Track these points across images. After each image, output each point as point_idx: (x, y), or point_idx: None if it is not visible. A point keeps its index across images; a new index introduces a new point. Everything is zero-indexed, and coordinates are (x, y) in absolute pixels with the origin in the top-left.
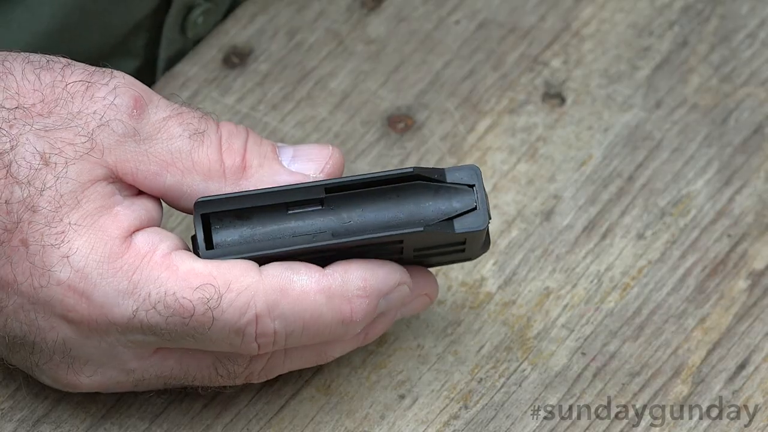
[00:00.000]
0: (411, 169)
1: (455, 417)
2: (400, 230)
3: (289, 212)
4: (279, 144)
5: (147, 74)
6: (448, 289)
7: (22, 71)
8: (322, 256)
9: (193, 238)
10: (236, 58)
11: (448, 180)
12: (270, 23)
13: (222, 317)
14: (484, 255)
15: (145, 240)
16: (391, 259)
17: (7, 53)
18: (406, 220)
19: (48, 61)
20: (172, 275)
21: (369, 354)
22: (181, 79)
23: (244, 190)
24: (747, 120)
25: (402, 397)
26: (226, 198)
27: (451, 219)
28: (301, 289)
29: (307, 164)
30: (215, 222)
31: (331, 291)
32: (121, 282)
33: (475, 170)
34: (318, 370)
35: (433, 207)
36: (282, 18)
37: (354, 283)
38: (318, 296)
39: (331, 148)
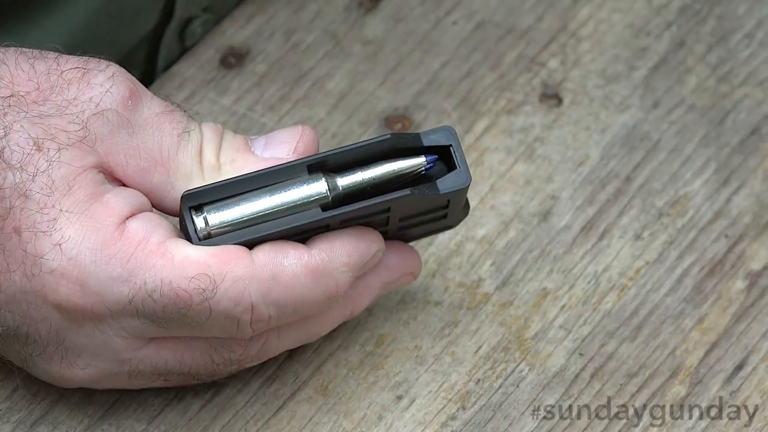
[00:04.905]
0: (389, 135)
1: (453, 418)
2: (388, 197)
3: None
4: (252, 137)
5: (145, 82)
6: (445, 290)
7: (15, 61)
8: (310, 231)
9: (182, 229)
10: (233, 59)
11: (425, 143)
12: (267, 24)
13: (218, 307)
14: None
15: (139, 227)
16: None
17: None
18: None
19: (41, 51)
20: (167, 263)
21: (366, 355)
22: (178, 79)
23: (227, 178)
24: (744, 120)
25: (399, 398)
26: (211, 188)
27: (434, 181)
28: (291, 273)
29: (278, 148)
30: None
31: (319, 271)
32: (115, 269)
33: (450, 130)
34: (315, 371)
35: None
36: (279, 18)
37: (339, 259)
38: (307, 279)
39: (301, 127)
